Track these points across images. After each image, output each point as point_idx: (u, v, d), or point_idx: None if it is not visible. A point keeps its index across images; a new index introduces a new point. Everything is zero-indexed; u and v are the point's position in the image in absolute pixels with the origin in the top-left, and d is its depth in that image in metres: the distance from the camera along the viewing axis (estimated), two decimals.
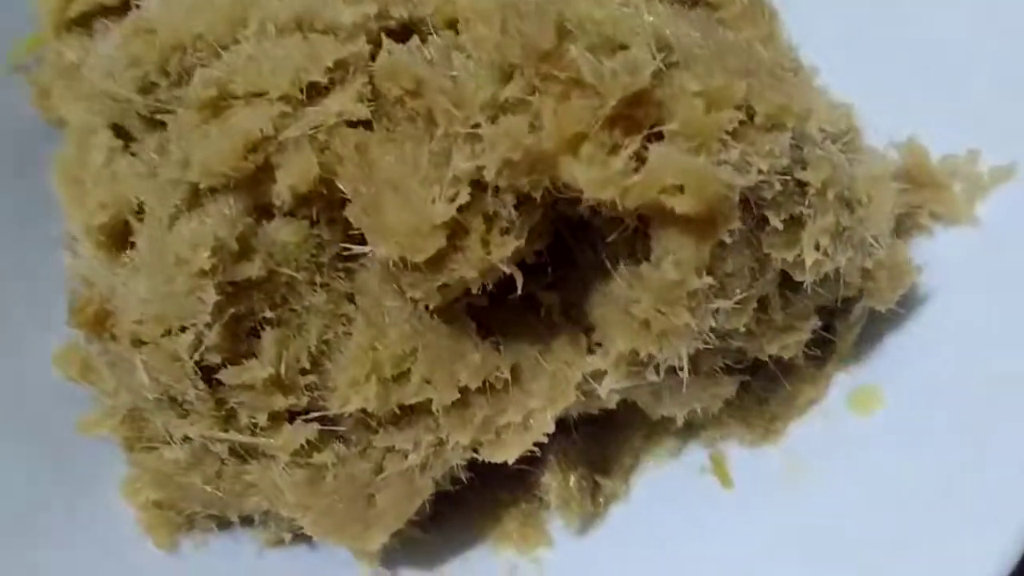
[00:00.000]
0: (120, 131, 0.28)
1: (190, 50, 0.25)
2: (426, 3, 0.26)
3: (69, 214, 0.29)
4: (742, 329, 0.26)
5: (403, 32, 0.26)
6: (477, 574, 0.30)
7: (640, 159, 0.22)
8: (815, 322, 0.28)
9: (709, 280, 0.23)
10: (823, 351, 0.31)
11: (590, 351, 0.28)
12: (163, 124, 0.27)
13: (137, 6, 0.28)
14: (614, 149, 0.22)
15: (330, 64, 0.24)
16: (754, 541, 0.30)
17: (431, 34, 0.25)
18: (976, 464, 0.27)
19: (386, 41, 0.24)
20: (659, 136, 0.22)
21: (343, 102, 0.24)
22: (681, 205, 0.21)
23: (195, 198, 0.25)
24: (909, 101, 0.31)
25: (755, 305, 0.27)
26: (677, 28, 0.24)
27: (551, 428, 0.27)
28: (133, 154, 0.28)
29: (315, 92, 0.24)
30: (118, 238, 0.28)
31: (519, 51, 0.22)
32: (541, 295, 0.28)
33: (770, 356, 0.29)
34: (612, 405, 0.29)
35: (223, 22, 0.25)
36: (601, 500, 0.32)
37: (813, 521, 0.29)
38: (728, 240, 0.23)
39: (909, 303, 0.30)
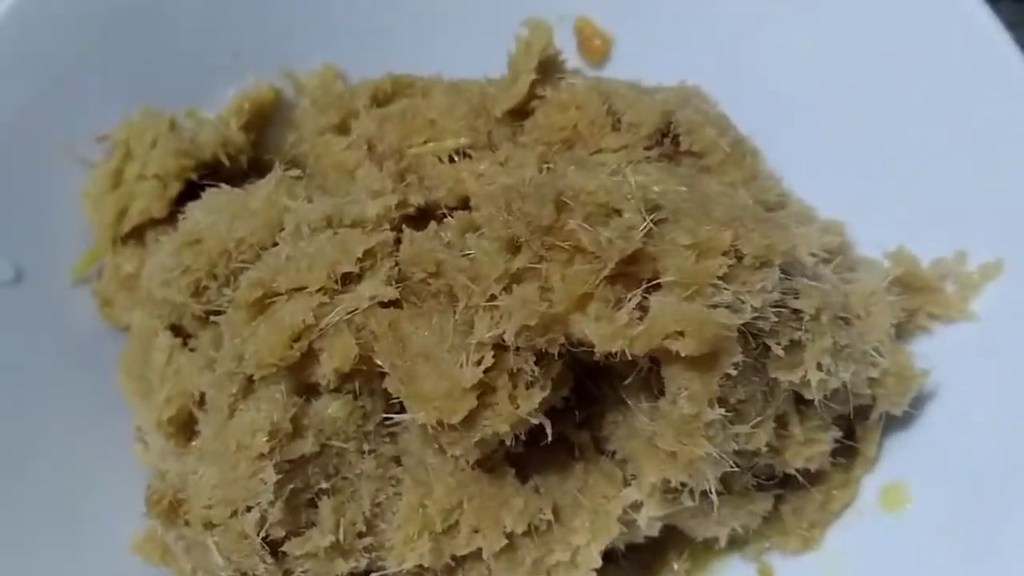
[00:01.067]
0: (178, 330, 0.31)
1: (234, 254, 0.28)
2: (439, 187, 0.29)
3: (136, 409, 0.32)
4: (764, 448, 0.28)
5: (421, 216, 0.29)
6: None
7: (643, 309, 0.24)
8: (835, 433, 0.30)
9: (721, 411, 0.25)
10: (849, 457, 0.32)
11: (626, 483, 0.29)
12: (213, 319, 0.29)
13: (181, 214, 0.32)
14: (618, 304, 0.24)
15: (359, 255, 0.27)
16: None
17: (445, 215, 0.27)
18: (993, 548, 0.28)
19: (407, 230, 0.27)
20: (657, 286, 0.25)
21: (374, 286, 0.26)
22: (684, 348, 0.24)
23: (250, 387, 0.27)
24: (895, 210, 0.33)
25: (773, 424, 0.29)
26: (665, 185, 0.27)
27: (598, 563, 0.29)
28: (192, 350, 0.31)
29: (348, 280, 0.27)
30: (185, 428, 0.30)
31: (524, 227, 0.25)
32: (572, 435, 0.30)
33: (799, 470, 0.30)
34: (655, 533, 0.30)
35: (262, 228, 0.28)
36: None
37: None
38: (733, 372, 0.25)
39: (921, 401, 0.32)
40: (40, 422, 0.31)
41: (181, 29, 0.34)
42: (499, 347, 0.25)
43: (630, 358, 0.25)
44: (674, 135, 0.30)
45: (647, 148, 0.29)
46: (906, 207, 0.33)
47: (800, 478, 0.30)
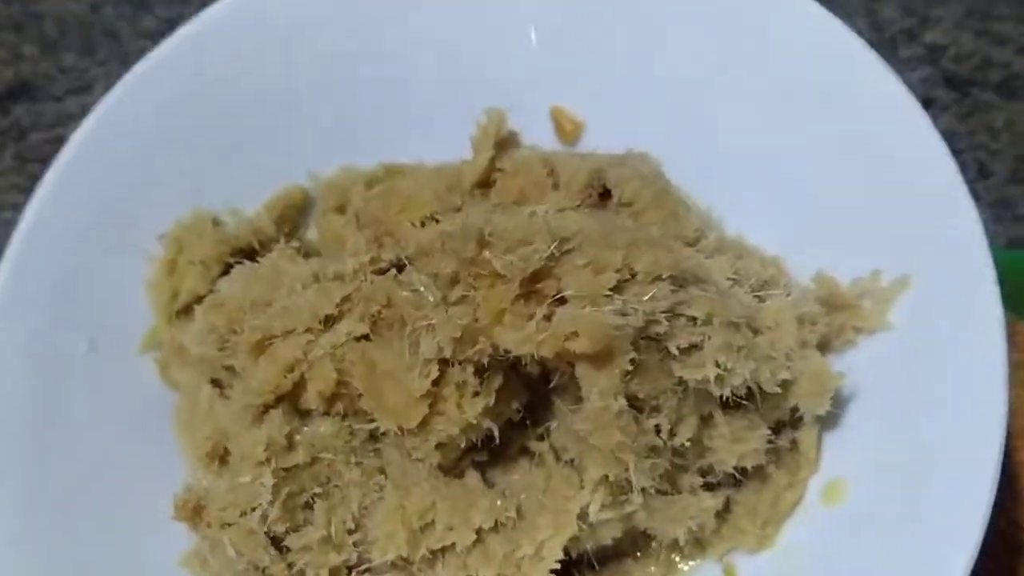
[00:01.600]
0: (217, 383, 0.38)
1: (248, 312, 0.35)
2: (409, 246, 0.35)
3: (183, 450, 0.38)
4: (688, 443, 0.32)
5: (391, 268, 0.35)
6: None
7: (549, 320, 0.29)
8: (765, 432, 0.34)
9: (623, 403, 0.29)
10: (793, 462, 0.36)
11: (583, 486, 0.34)
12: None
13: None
14: (529, 316, 0.29)
15: (338, 300, 0.33)
16: None
17: (406, 266, 0.33)
18: (915, 526, 0.31)
19: (371, 276, 0.33)
20: (563, 301, 0.30)
21: (350, 325, 0.32)
22: (580, 346, 0.28)
23: (259, 416, 0.33)
24: (821, 244, 0.37)
25: (697, 422, 0.33)
26: (579, 224, 0.32)
27: (560, 555, 0.33)
28: (227, 398, 0.37)
29: (330, 321, 0.33)
30: (218, 458, 0.36)
31: (454, 261, 0.30)
32: (533, 446, 0.34)
33: (737, 468, 0.34)
34: (617, 533, 0.34)
35: (265, 288, 0.34)
36: None
37: None
38: (630, 367, 0.29)
39: (851, 405, 0.35)
40: (110, 468, 0.38)
41: (230, 153, 0.42)
42: (443, 363, 0.31)
43: (550, 364, 0.30)
44: (604, 189, 0.36)
45: (579, 202, 0.35)
46: (828, 240, 0.37)
47: (739, 476, 0.34)
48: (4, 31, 0.65)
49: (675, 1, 0.39)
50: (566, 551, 0.33)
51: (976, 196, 0.52)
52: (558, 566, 0.33)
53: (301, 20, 0.42)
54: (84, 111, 0.59)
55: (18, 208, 0.54)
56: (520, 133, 0.40)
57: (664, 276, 0.30)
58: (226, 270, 0.39)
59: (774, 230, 0.39)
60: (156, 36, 0.59)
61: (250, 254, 0.40)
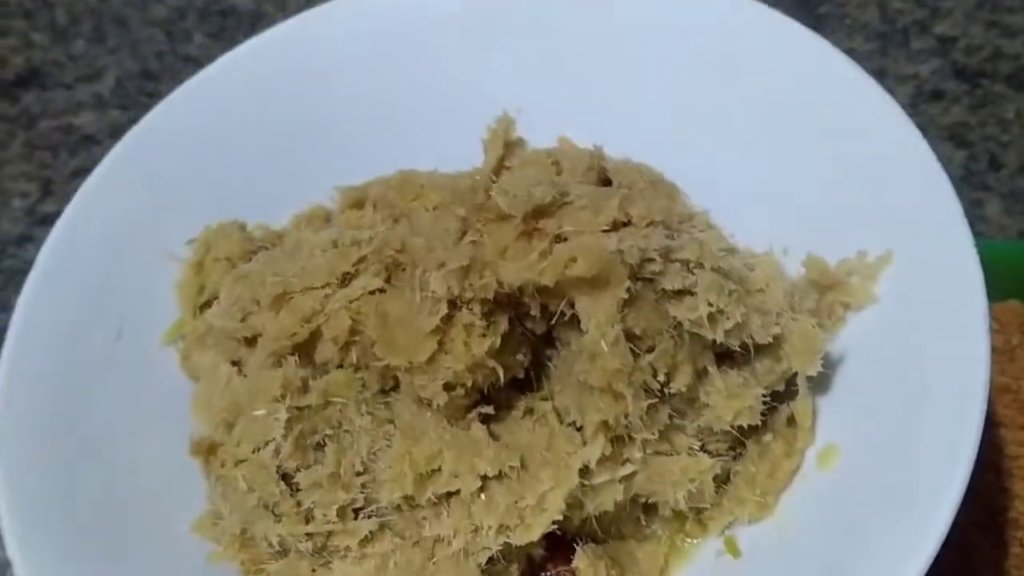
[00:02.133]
0: (235, 364, 0.39)
1: (270, 281, 0.37)
2: (421, 225, 0.38)
3: (201, 426, 0.39)
4: (683, 391, 0.33)
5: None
6: None
7: (550, 253, 0.31)
8: (760, 391, 0.35)
9: (619, 330, 0.31)
10: (790, 433, 0.37)
11: (585, 445, 0.35)
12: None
13: None
14: (530, 250, 0.31)
15: (355, 260, 0.35)
16: None
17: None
18: (901, 485, 0.32)
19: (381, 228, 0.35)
20: (563, 240, 0.32)
21: (366, 281, 0.34)
22: (578, 270, 0.30)
23: (276, 364, 0.35)
24: (811, 230, 0.39)
25: (692, 370, 0.34)
26: (581, 188, 0.34)
27: (563, 506, 0.33)
28: (244, 376, 0.39)
29: (347, 279, 0.35)
30: (230, 428, 0.37)
31: (463, 210, 0.33)
32: (536, 406, 0.35)
33: (734, 427, 0.35)
34: (619, 496, 0.35)
35: (287, 260, 0.36)
36: None
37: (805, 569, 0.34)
38: (625, 295, 0.31)
39: (841, 374, 0.37)
40: (131, 448, 0.39)
41: (258, 174, 0.45)
42: (451, 305, 0.32)
43: (549, 300, 0.32)
44: (606, 178, 0.39)
45: (580, 181, 0.38)
46: (818, 232, 0.39)
47: (737, 439, 0.35)
48: (14, 18, 0.67)
49: (674, 33, 0.43)
50: (565, 520, 0.34)
51: (987, 188, 0.56)
52: (560, 517, 0.33)
53: (329, 60, 0.46)
54: (94, 98, 0.64)
55: (27, 195, 0.59)
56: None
57: (658, 220, 0.32)
58: None
59: (765, 230, 0.41)
60: (165, 24, 0.67)
61: None
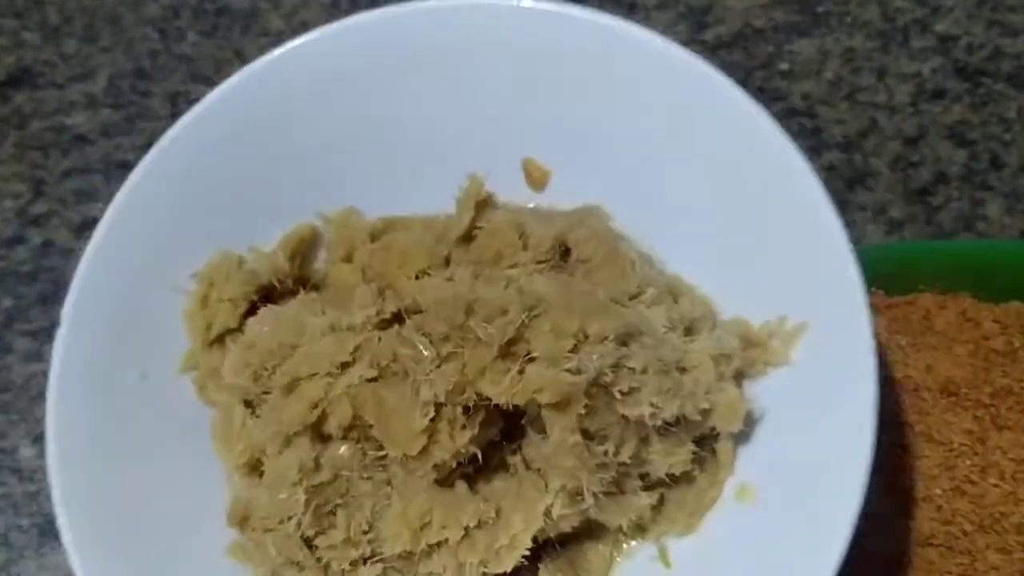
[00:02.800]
0: (248, 404, 0.45)
1: (276, 352, 0.42)
2: (406, 298, 0.42)
3: (223, 459, 0.46)
4: (630, 460, 0.40)
5: (395, 318, 0.42)
6: None
7: (522, 373, 0.37)
8: (690, 447, 0.42)
9: (578, 437, 0.37)
10: (713, 467, 0.44)
11: (547, 490, 0.42)
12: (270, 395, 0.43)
13: (245, 325, 0.46)
14: (505, 372, 0.37)
15: (351, 349, 0.40)
16: None
17: (406, 319, 0.41)
18: (804, 520, 0.40)
19: (377, 333, 0.40)
20: (533, 359, 0.38)
21: (362, 369, 0.40)
22: (544, 398, 0.36)
23: (287, 440, 0.41)
24: (742, 292, 0.45)
25: (636, 442, 0.41)
26: (545, 289, 0.40)
27: (528, 544, 0.41)
28: (257, 416, 0.45)
29: (345, 366, 0.40)
30: (254, 469, 0.44)
31: (446, 327, 0.38)
32: (509, 459, 0.42)
33: (668, 474, 0.42)
34: (576, 523, 0.43)
35: (290, 336, 0.41)
36: None
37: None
38: (583, 411, 0.37)
39: (759, 423, 0.44)
40: (160, 474, 0.45)
41: (248, 196, 0.48)
42: (438, 405, 0.38)
43: (514, 407, 0.38)
44: (566, 248, 0.44)
45: (541, 261, 0.43)
46: (749, 291, 0.45)
47: (669, 480, 0.42)
48: (5, 17, 0.65)
49: (625, 84, 0.46)
50: (534, 539, 0.41)
51: (988, 187, 0.56)
52: (528, 552, 0.41)
53: (315, 92, 0.48)
54: (86, 98, 0.64)
55: (19, 196, 0.60)
56: (496, 191, 0.47)
57: (610, 337, 0.38)
58: (251, 306, 0.46)
59: (704, 270, 0.46)
60: (159, 22, 0.65)
61: (271, 291, 0.47)
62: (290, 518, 0.39)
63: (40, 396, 0.51)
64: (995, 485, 0.45)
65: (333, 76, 0.47)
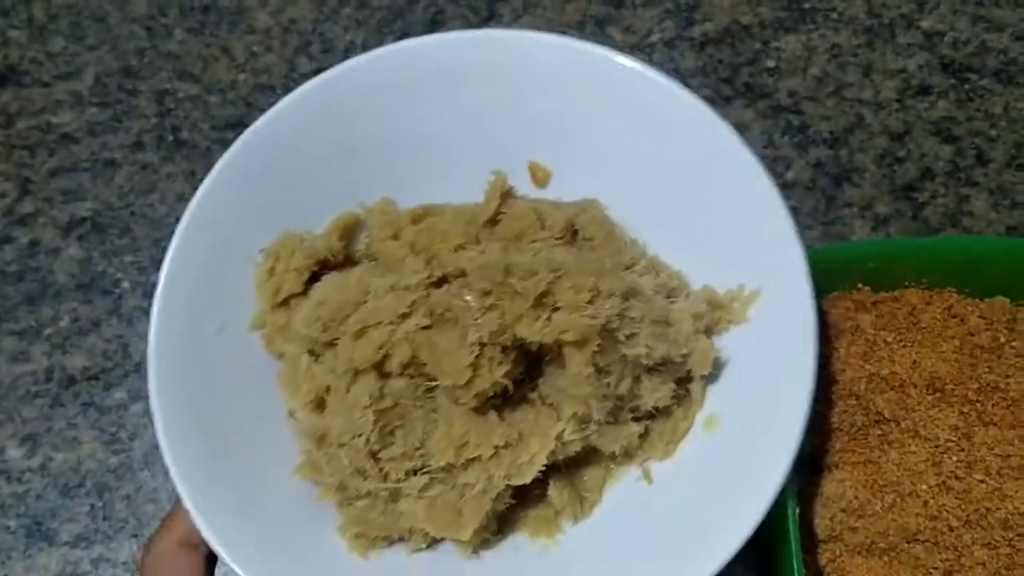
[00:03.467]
0: (311, 353, 0.55)
1: (344, 308, 0.52)
2: (448, 266, 0.52)
3: (289, 401, 0.54)
4: (625, 393, 0.51)
5: (440, 281, 0.52)
6: (520, 547, 0.53)
7: (550, 320, 0.48)
8: (672, 386, 0.52)
9: (592, 369, 0.48)
10: (687, 403, 0.55)
11: (558, 420, 0.52)
12: (333, 345, 0.53)
13: (311, 290, 0.55)
14: (537, 319, 0.47)
15: (409, 303, 0.50)
16: (667, 507, 0.53)
17: (451, 280, 0.51)
18: (758, 443, 0.50)
19: (430, 288, 0.50)
20: (558, 308, 0.48)
21: (418, 319, 0.49)
22: (568, 337, 0.46)
23: (355, 377, 0.50)
24: (709, 266, 0.56)
25: (631, 379, 0.51)
26: (564, 258, 0.50)
27: (544, 461, 0.51)
28: (320, 362, 0.54)
29: (404, 316, 0.50)
30: (319, 406, 0.53)
31: (490, 283, 0.48)
32: (528, 395, 0.53)
33: (654, 407, 0.53)
34: (579, 448, 0.53)
35: (356, 294, 0.51)
36: (587, 506, 0.55)
37: (694, 491, 0.52)
38: (596, 349, 0.48)
39: (723, 367, 0.54)
40: (235, 410, 0.54)
41: (306, 189, 0.58)
42: (482, 345, 0.48)
43: (537, 349, 0.48)
44: (574, 230, 0.54)
45: (558, 238, 0.53)
46: (714, 266, 0.56)
47: (653, 412, 0.53)
48: None
49: (609, 101, 0.56)
50: (547, 460, 0.51)
51: (974, 183, 0.56)
52: (544, 467, 0.51)
53: (361, 104, 0.57)
54: (72, 96, 0.64)
55: (5, 195, 0.60)
56: (514, 186, 0.57)
57: (616, 293, 0.48)
58: (312, 276, 0.56)
59: (678, 252, 0.57)
60: (145, 20, 0.66)
61: (326, 264, 0.57)
62: (361, 435, 0.49)
63: (27, 396, 0.58)
64: (981, 481, 0.46)
65: (382, 89, 0.57)
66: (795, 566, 0.44)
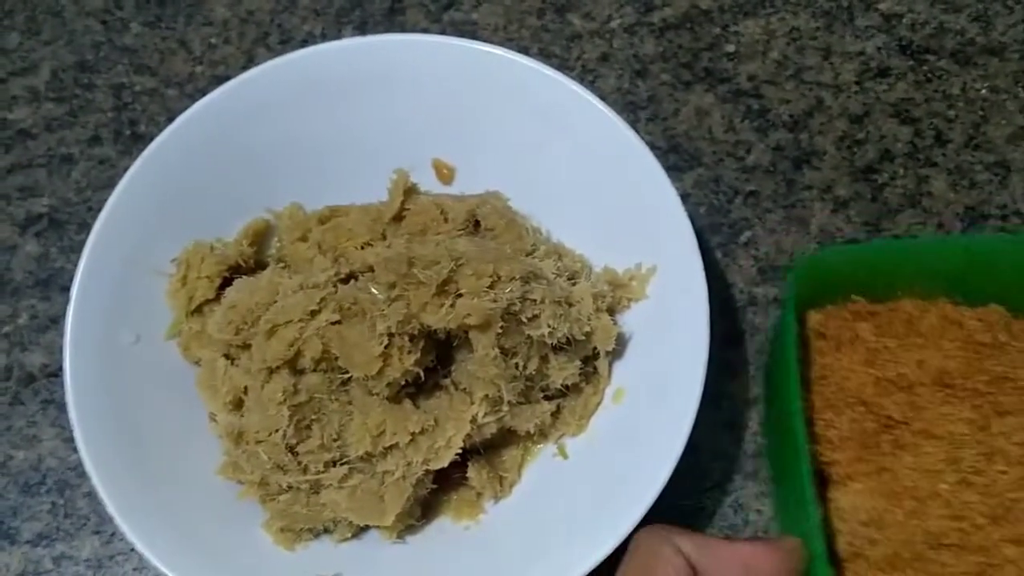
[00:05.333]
0: (227, 356, 0.54)
1: (254, 310, 0.51)
2: (356, 263, 0.52)
3: (208, 404, 0.54)
4: (534, 372, 0.51)
5: (348, 278, 0.52)
6: (445, 529, 0.53)
7: (453, 306, 0.48)
8: (578, 363, 0.53)
9: (497, 351, 0.48)
10: (596, 380, 0.56)
11: (473, 403, 0.52)
12: (248, 347, 0.52)
13: (223, 295, 0.54)
14: (441, 306, 0.47)
15: (318, 299, 0.50)
16: (581, 478, 0.53)
17: (359, 276, 0.51)
18: (660, 411, 0.51)
19: (338, 284, 0.50)
20: (460, 296, 0.48)
21: (328, 315, 0.49)
22: (471, 321, 0.47)
23: (269, 375, 0.50)
24: (610, 249, 0.57)
25: (539, 359, 0.52)
26: (466, 247, 0.50)
27: (460, 446, 0.51)
28: (235, 365, 0.54)
29: (314, 313, 0.50)
30: (237, 407, 0.53)
31: (394, 275, 0.48)
32: (442, 381, 0.52)
33: (563, 385, 0.53)
34: (494, 430, 0.53)
35: (266, 296, 0.50)
36: (507, 485, 0.56)
37: (606, 461, 0.53)
38: (500, 331, 0.48)
39: (625, 343, 0.55)
40: (155, 417, 0.53)
41: (213, 199, 0.57)
42: (390, 335, 0.48)
43: (447, 334, 0.48)
44: (476, 221, 0.55)
45: (460, 230, 0.53)
46: (614, 248, 0.56)
47: (564, 390, 0.53)
48: None
49: (505, 97, 0.57)
50: (463, 443, 0.52)
51: (933, 163, 0.55)
52: (460, 451, 0.51)
53: (267, 111, 0.57)
54: (28, 92, 0.62)
55: None
56: (418, 183, 0.57)
57: (516, 277, 0.48)
58: (224, 282, 0.55)
59: (580, 237, 0.58)
60: (101, 14, 0.64)
61: (238, 269, 0.56)
62: (277, 430, 0.48)
63: None
64: (1003, 472, 0.43)
65: (282, 98, 0.57)
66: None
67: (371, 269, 0.50)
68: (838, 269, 0.46)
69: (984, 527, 0.43)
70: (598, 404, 0.54)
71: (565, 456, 0.54)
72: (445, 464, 0.50)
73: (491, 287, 0.47)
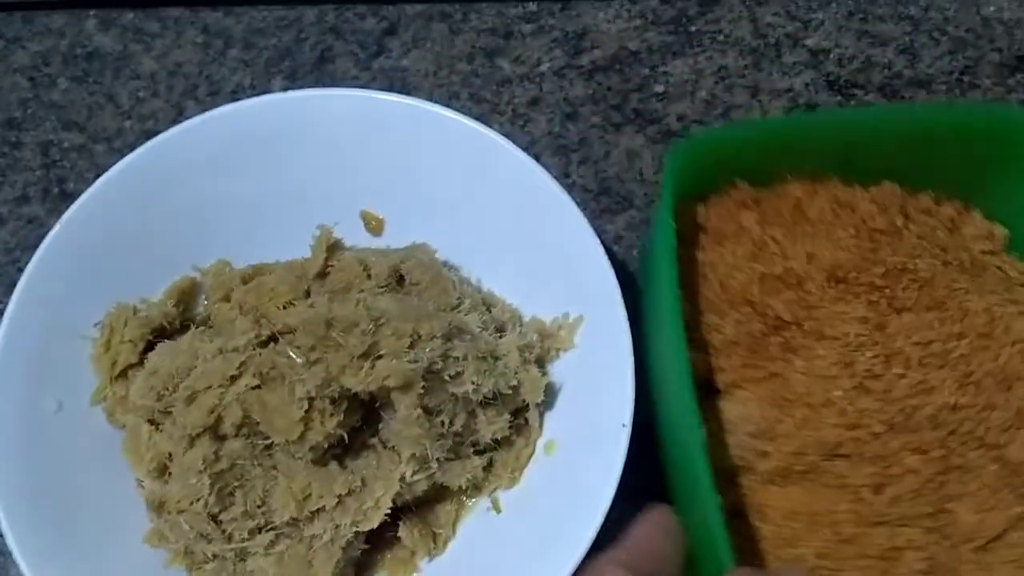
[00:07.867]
0: (152, 422, 0.52)
1: (175, 376, 0.49)
2: (277, 323, 0.50)
3: (134, 469, 0.52)
4: (462, 428, 0.49)
5: (270, 339, 0.50)
6: None
7: (373, 368, 0.46)
8: (507, 417, 0.51)
9: (419, 412, 0.46)
10: (528, 433, 0.54)
11: (401, 462, 0.50)
12: (171, 413, 0.50)
13: (147, 359, 0.52)
14: (361, 368, 0.46)
15: (237, 365, 0.48)
16: (515, 531, 0.51)
17: (279, 339, 0.49)
18: (591, 462, 0.49)
19: (257, 348, 0.48)
20: (381, 357, 0.46)
21: (247, 379, 0.47)
22: (392, 383, 0.45)
23: (191, 441, 0.48)
24: (538, 299, 0.55)
25: (466, 415, 0.50)
26: (387, 305, 0.48)
27: (389, 504, 0.49)
28: (160, 431, 0.51)
29: (234, 378, 0.48)
30: (162, 472, 0.50)
31: (313, 339, 0.46)
32: (369, 440, 0.51)
33: (493, 439, 0.51)
34: (425, 487, 0.51)
35: (186, 360, 0.48)
36: (440, 542, 0.54)
37: (539, 512, 0.51)
38: (422, 391, 0.46)
39: (556, 394, 0.54)
40: (82, 486, 0.51)
41: (139, 259, 0.55)
42: (311, 399, 0.46)
43: (370, 395, 0.47)
44: (400, 276, 0.53)
45: (383, 286, 0.52)
46: (542, 298, 0.55)
47: (494, 444, 0.52)
48: None
49: (432, 151, 0.55)
50: (393, 502, 0.49)
51: None
52: (389, 511, 0.49)
53: (187, 170, 0.55)
54: None
55: None
56: (343, 237, 0.55)
57: (438, 335, 0.47)
58: (147, 345, 0.53)
59: (511, 287, 0.56)
60: (28, 70, 0.62)
61: (163, 331, 0.54)
62: (199, 499, 0.46)
63: None
64: (901, 376, 0.38)
65: (203, 156, 0.55)
66: (709, 499, 0.36)
67: (292, 331, 0.48)
68: (720, 152, 0.40)
69: (882, 435, 0.38)
70: (530, 456, 0.52)
71: (499, 510, 0.52)
72: (375, 525, 0.48)
73: (411, 347, 0.46)
